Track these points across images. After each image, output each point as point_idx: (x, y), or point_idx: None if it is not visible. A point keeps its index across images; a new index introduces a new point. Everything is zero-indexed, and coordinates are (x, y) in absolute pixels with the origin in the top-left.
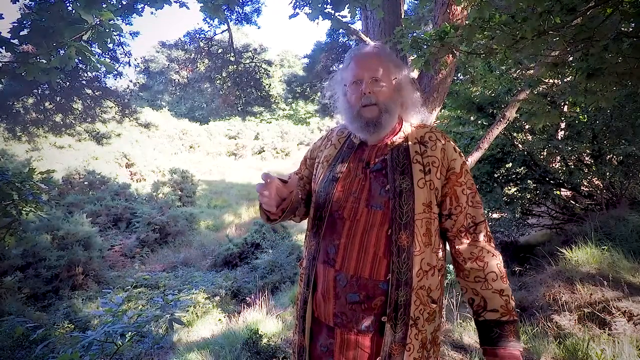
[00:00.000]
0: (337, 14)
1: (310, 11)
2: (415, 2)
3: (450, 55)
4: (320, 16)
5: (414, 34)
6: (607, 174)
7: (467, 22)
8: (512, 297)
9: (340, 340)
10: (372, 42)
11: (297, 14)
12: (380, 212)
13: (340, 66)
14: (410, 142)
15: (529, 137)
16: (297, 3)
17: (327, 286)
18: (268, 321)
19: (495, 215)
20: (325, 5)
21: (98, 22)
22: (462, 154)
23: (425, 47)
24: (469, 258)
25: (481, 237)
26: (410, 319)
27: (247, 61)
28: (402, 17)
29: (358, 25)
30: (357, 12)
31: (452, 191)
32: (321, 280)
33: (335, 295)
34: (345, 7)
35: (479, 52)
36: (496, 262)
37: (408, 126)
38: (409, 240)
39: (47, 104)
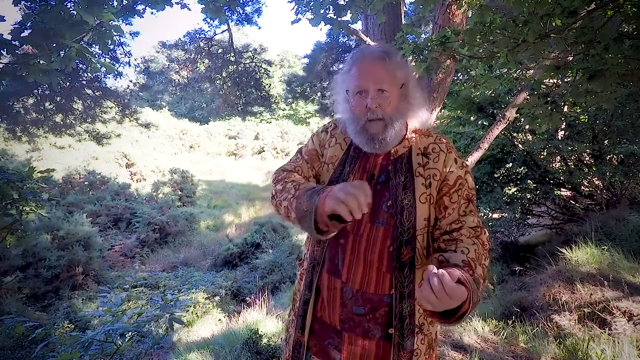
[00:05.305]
0: (339, 19)
1: (313, 17)
2: (419, 5)
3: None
4: (322, 22)
5: (415, 38)
6: (607, 174)
7: (467, 25)
8: (479, 263)
9: (348, 343)
10: (372, 43)
11: (300, 19)
12: (383, 228)
13: (342, 66)
14: (413, 153)
15: (529, 137)
16: (299, 9)
17: (333, 295)
18: (268, 321)
19: (495, 215)
20: (327, 11)
21: (98, 24)
22: (464, 164)
23: (426, 52)
24: (441, 240)
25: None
26: (415, 327)
27: (247, 61)
28: (402, 17)
29: (358, 25)
30: (358, 16)
31: (440, 201)
32: (326, 288)
33: (342, 304)
34: (347, 13)
35: (480, 57)
36: (474, 246)
37: (412, 133)
38: (411, 256)
39: (47, 104)
